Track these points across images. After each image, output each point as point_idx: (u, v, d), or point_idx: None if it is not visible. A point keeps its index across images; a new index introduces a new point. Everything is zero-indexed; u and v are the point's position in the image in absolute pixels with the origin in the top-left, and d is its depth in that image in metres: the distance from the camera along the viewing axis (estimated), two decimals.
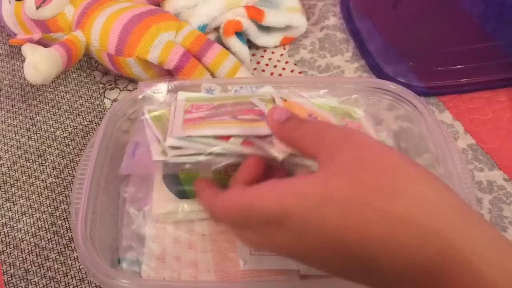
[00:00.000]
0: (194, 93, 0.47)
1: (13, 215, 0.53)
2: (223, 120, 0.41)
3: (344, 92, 0.51)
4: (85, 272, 0.48)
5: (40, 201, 0.54)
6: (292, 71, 0.66)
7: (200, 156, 0.40)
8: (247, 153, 0.39)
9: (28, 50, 0.59)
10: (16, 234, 0.51)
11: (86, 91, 0.64)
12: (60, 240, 0.51)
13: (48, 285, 0.48)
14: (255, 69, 0.66)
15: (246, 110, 0.42)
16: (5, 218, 0.53)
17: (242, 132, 0.40)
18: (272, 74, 0.66)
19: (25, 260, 0.49)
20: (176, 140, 0.40)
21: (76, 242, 0.41)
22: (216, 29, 0.65)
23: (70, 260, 0.49)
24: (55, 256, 0.50)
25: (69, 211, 0.53)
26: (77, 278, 0.48)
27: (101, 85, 0.65)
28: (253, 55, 0.68)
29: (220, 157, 0.40)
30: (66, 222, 0.52)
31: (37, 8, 0.60)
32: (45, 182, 0.55)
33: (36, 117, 0.62)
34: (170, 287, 0.41)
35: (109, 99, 0.63)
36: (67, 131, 0.60)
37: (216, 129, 0.40)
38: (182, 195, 0.48)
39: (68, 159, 0.57)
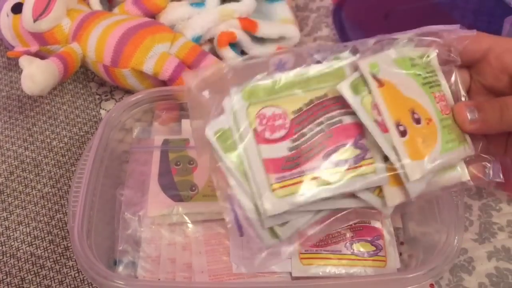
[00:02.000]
0: (253, 84, 0.34)
1: (9, 225, 0.53)
2: (318, 169, 0.33)
3: None
4: (81, 281, 0.49)
5: (36, 211, 0.54)
6: None
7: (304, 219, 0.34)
8: (348, 207, 0.34)
9: (25, 62, 0.60)
10: (12, 243, 0.52)
11: (82, 102, 0.65)
12: (56, 248, 0.51)
13: None
14: None
15: (337, 131, 0.34)
16: (2, 228, 0.53)
17: (350, 188, 0.33)
18: None
19: (21, 269, 0.50)
20: (274, 219, 0.33)
21: (73, 244, 0.41)
22: (211, 40, 0.66)
23: (66, 268, 0.50)
24: (50, 265, 0.50)
25: (64, 220, 0.53)
26: (72, 286, 0.49)
27: (97, 96, 0.66)
28: None
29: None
30: (62, 231, 0.53)
31: (35, 21, 0.61)
32: (41, 192, 0.56)
33: (33, 128, 0.63)
34: (165, 287, 0.42)
35: (105, 110, 0.64)
36: (63, 142, 0.61)
37: (317, 191, 0.32)
38: (177, 198, 0.48)
39: (64, 169, 0.58)
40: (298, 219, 0.33)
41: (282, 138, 0.33)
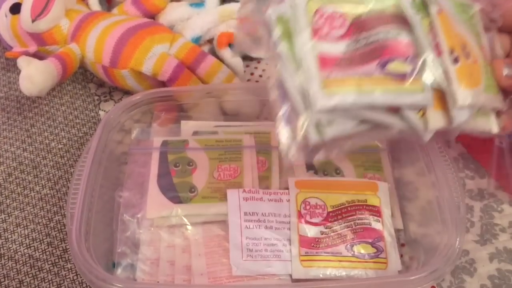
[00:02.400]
0: None
1: (7, 227, 0.53)
2: (370, 75, 0.33)
3: None
4: (79, 283, 0.49)
5: (34, 213, 0.54)
6: None
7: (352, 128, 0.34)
8: (390, 123, 0.34)
9: (24, 63, 0.59)
10: (10, 246, 0.52)
11: (81, 103, 0.65)
12: (54, 251, 0.51)
13: None
14: (249, 80, 0.67)
15: (393, 43, 0.33)
16: (0, 230, 0.53)
17: (397, 101, 0.33)
18: None
19: (19, 271, 0.50)
20: (320, 114, 0.33)
21: (71, 246, 0.41)
22: (210, 41, 0.65)
23: (64, 271, 0.49)
24: (49, 267, 0.50)
25: (63, 222, 0.53)
26: None
27: (96, 97, 0.66)
28: (247, 66, 0.68)
29: (368, 126, 0.34)
30: (60, 233, 0.52)
31: (33, 21, 0.61)
32: (40, 193, 0.56)
33: (31, 129, 0.62)
34: None
35: (104, 111, 0.64)
36: (62, 143, 0.60)
37: (366, 96, 0.32)
38: (176, 199, 0.48)
39: (62, 170, 0.58)
40: (343, 122, 0.33)
41: (339, 38, 0.34)
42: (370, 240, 0.47)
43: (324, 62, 0.33)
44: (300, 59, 0.33)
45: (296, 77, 0.33)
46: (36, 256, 0.51)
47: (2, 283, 0.49)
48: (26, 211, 0.54)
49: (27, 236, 0.52)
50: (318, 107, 0.32)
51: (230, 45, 0.64)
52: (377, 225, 0.48)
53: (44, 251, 0.51)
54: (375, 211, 0.48)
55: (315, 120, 0.33)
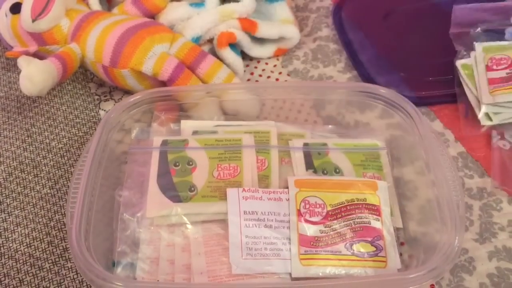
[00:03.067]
0: (491, 43, 0.61)
1: (8, 226, 0.53)
2: None
3: (336, 96, 0.55)
4: (79, 282, 0.49)
5: (35, 212, 0.54)
6: (285, 82, 0.67)
7: None
8: None
9: (24, 63, 0.59)
10: (11, 245, 0.52)
11: (81, 103, 0.65)
12: (54, 250, 0.51)
13: None
14: (248, 79, 0.67)
15: None
16: (0, 229, 0.53)
17: None
18: None
19: (19, 270, 0.50)
20: (488, 107, 0.57)
21: (71, 245, 0.41)
22: (210, 40, 0.65)
23: (64, 270, 0.50)
24: (49, 266, 0.50)
25: (63, 222, 0.53)
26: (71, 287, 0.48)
27: (96, 97, 0.66)
28: (247, 66, 0.69)
29: None
30: (61, 232, 0.52)
31: (33, 21, 0.61)
32: (40, 193, 0.56)
33: (31, 128, 0.62)
34: None
35: (104, 110, 0.64)
36: (62, 142, 0.61)
37: None
38: (176, 198, 0.48)
39: (63, 170, 0.58)
40: (507, 112, 0.56)
41: (502, 69, 0.58)
42: (369, 239, 0.47)
43: (492, 80, 0.57)
44: (477, 80, 0.59)
45: (472, 89, 0.59)
46: (36, 255, 0.51)
47: (3, 282, 0.49)
48: (26, 211, 0.54)
49: (27, 235, 0.52)
50: (485, 102, 0.56)
51: (230, 45, 0.64)
52: (376, 224, 0.48)
53: (44, 250, 0.51)
54: (375, 210, 0.48)
55: (484, 110, 0.57)
